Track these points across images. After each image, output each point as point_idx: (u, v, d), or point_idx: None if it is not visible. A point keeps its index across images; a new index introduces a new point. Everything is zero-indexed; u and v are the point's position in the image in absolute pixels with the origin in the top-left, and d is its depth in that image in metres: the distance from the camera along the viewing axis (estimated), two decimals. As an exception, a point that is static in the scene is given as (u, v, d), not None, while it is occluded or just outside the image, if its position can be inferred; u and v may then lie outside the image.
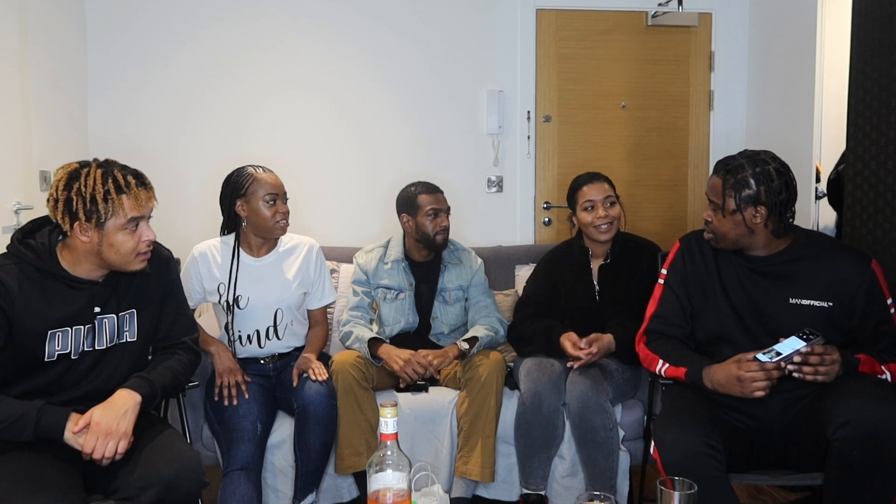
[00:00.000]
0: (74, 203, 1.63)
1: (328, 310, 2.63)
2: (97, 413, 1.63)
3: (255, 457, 2.16)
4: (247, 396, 2.25)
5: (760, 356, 1.78)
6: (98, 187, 1.64)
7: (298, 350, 2.48)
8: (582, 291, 2.53)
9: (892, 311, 1.90)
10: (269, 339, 2.41)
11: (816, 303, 1.90)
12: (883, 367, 1.83)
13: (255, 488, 2.11)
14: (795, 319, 1.87)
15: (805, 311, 1.90)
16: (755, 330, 1.93)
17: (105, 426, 1.62)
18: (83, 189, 1.63)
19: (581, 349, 2.30)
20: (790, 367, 1.75)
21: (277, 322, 2.40)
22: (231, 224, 2.39)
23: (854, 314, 1.90)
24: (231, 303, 2.36)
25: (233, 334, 2.39)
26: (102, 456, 1.60)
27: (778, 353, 1.76)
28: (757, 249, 1.97)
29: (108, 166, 1.69)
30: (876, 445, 1.64)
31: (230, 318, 2.38)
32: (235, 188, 2.34)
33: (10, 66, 2.62)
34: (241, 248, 2.40)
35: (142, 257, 1.74)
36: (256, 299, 2.37)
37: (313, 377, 2.27)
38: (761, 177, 1.87)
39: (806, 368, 1.74)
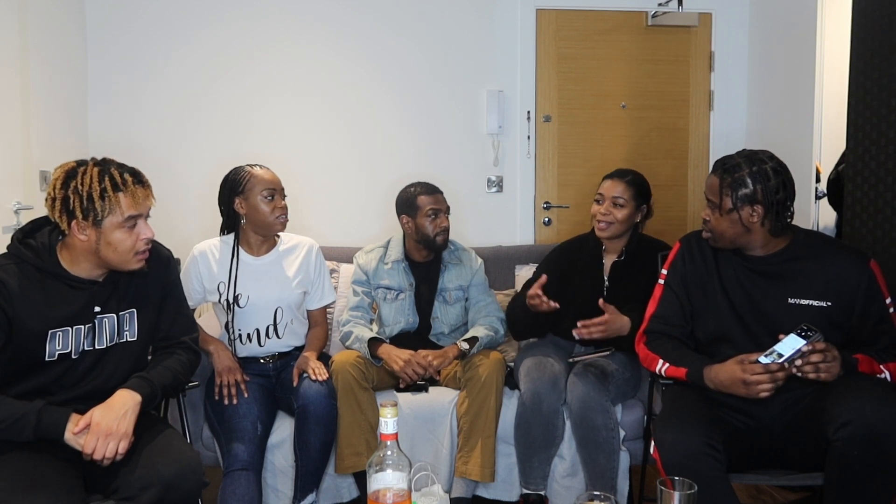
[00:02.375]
0: (71, 201, 1.63)
1: (328, 310, 2.63)
2: (97, 414, 1.63)
3: (255, 457, 2.16)
4: (246, 395, 2.25)
5: (762, 358, 1.77)
6: (94, 185, 1.64)
7: (299, 350, 2.48)
8: (590, 285, 2.53)
9: (891, 310, 1.90)
10: (269, 337, 2.41)
11: (815, 302, 1.90)
12: (882, 367, 1.83)
13: (256, 488, 2.11)
14: (795, 319, 1.87)
15: (804, 311, 1.90)
16: (755, 329, 1.93)
17: (105, 427, 1.62)
18: (80, 187, 1.63)
19: (541, 298, 2.28)
20: (794, 369, 1.74)
21: (277, 320, 2.41)
22: (230, 223, 2.40)
23: (853, 313, 1.89)
24: (231, 301, 2.36)
25: (233, 333, 2.39)
26: (103, 456, 1.60)
27: (780, 355, 1.75)
28: (755, 249, 1.97)
29: (105, 164, 1.69)
30: (876, 445, 1.64)
31: (230, 316, 2.38)
32: (233, 186, 2.35)
33: (10, 66, 2.62)
34: (240, 248, 2.40)
35: (140, 256, 1.74)
36: (256, 298, 2.37)
37: (313, 377, 2.27)
38: (758, 175, 1.88)
39: (807, 367, 1.73)
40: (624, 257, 2.53)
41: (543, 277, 2.34)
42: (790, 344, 1.76)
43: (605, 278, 2.53)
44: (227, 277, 2.37)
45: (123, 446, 1.63)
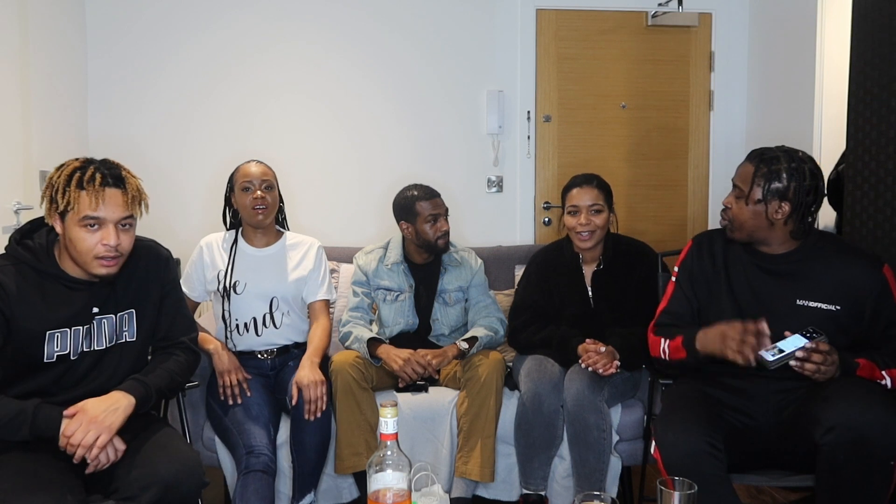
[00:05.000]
0: (48, 191, 1.66)
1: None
2: (88, 403, 1.64)
3: (274, 462, 2.17)
4: (249, 395, 2.26)
5: (764, 353, 1.76)
6: (62, 178, 1.65)
7: (298, 346, 2.48)
8: (576, 297, 2.50)
9: None
10: (265, 326, 2.42)
11: (824, 305, 1.88)
12: (883, 373, 1.81)
13: (273, 493, 2.13)
14: (801, 320, 1.85)
15: (811, 313, 1.88)
16: None
17: (91, 415, 1.61)
18: (54, 178, 1.66)
19: (598, 352, 2.26)
20: (792, 362, 1.74)
21: (273, 309, 2.42)
22: (232, 218, 2.52)
23: (862, 319, 1.87)
24: (228, 287, 2.38)
25: (229, 322, 2.41)
26: (79, 444, 1.57)
27: (781, 350, 1.75)
28: (770, 245, 1.95)
29: (89, 163, 1.68)
30: (862, 450, 1.64)
31: (227, 305, 2.39)
32: (230, 182, 2.47)
33: (10, 66, 2.62)
34: (243, 239, 2.48)
35: (102, 262, 1.67)
36: (253, 286, 2.41)
37: (310, 417, 2.20)
38: (795, 173, 1.85)
39: (808, 366, 1.73)
40: (603, 265, 2.50)
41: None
42: (793, 342, 1.75)
43: (589, 289, 2.51)
44: (227, 266, 2.42)
45: (103, 440, 1.59)
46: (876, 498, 1.68)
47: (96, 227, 1.65)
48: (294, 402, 2.23)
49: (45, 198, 1.68)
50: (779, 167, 1.86)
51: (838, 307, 1.87)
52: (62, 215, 1.66)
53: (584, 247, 2.48)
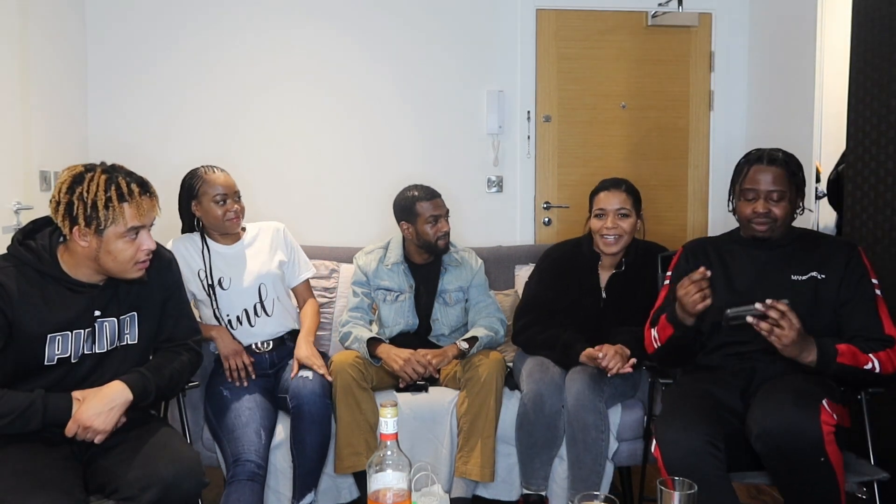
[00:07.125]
0: (75, 207, 1.62)
1: (328, 310, 2.63)
2: (85, 406, 1.65)
3: (262, 467, 2.16)
4: (254, 377, 2.31)
5: (728, 311, 1.79)
6: (100, 193, 1.62)
7: (293, 334, 2.49)
8: (588, 298, 2.48)
9: (878, 292, 1.95)
10: (258, 316, 2.42)
11: (814, 274, 1.98)
12: (869, 356, 1.84)
13: (260, 500, 2.12)
14: (796, 293, 1.93)
15: (805, 285, 1.97)
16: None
17: (86, 420, 1.64)
18: (85, 194, 1.62)
19: (603, 360, 2.23)
20: (749, 318, 1.76)
21: (263, 297, 2.42)
22: (190, 226, 2.45)
23: (840, 284, 1.96)
24: (213, 284, 2.38)
25: (220, 320, 2.40)
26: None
27: (745, 309, 1.78)
28: (778, 232, 2.06)
29: (113, 172, 1.67)
30: (789, 454, 1.69)
31: (215, 303, 2.39)
32: (189, 191, 2.40)
33: (11, 67, 2.62)
34: (210, 239, 2.45)
35: (140, 266, 1.73)
36: (238, 279, 2.41)
37: (310, 373, 2.29)
38: (798, 163, 2.05)
39: (763, 324, 1.75)
40: (624, 269, 2.47)
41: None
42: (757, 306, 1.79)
43: (603, 291, 2.48)
44: (204, 264, 2.40)
45: (100, 438, 1.66)
46: (827, 492, 1.70)
47: (135, 236, 1.69)
48: (293, 375, 2.30)
49: (69, 215, 1.63)
50: (792, 161, 2.03)
51: (824, 276, 1.98)
52: (100, 231, 1.64)
53: (608, 251, 2.44)
